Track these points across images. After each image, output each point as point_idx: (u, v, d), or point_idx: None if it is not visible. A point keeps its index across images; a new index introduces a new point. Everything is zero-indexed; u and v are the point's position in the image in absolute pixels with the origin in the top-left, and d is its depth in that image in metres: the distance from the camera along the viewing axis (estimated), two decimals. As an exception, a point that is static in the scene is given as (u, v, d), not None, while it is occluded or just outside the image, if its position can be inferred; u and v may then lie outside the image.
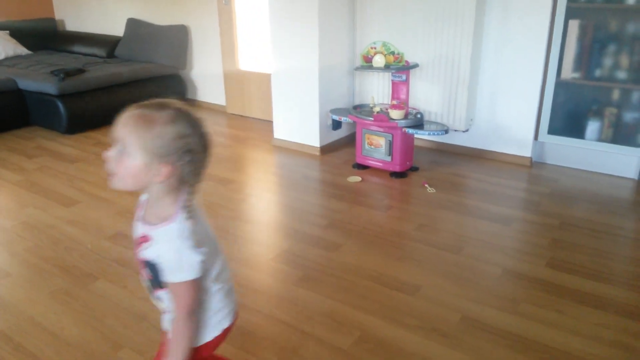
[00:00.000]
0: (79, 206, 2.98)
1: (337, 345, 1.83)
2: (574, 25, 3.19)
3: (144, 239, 1.12)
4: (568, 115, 3.38)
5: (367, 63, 3.35)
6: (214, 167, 3.56)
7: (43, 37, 5.85)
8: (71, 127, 4.30)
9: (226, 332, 1.27)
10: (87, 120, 4.42)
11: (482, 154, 3.67)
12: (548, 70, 3.32)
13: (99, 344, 1.84)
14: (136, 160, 1.03)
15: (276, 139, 4.01)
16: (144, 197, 1.18)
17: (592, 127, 3.29)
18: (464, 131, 3.52)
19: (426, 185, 3.16)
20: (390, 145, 3.27)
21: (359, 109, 3.52)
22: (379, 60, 3.26)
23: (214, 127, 4.60)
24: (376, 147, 3.35)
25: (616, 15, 3.10)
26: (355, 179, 3.32)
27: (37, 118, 4.51)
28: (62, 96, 4.22)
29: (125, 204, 2.98)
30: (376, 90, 3.77)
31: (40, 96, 4.33)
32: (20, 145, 4.08)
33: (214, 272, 1.19)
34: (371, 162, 3.43)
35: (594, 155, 3.36)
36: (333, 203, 2.99)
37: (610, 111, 3.24)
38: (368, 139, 3.37)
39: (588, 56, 3.22)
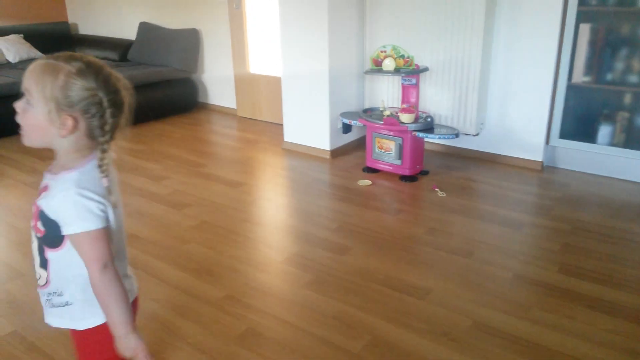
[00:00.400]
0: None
1: (347, 348, 1.83)
2: (585, 28, 3.17)
3: (44, 189, 1.07)
4: (579, 119, 3.36)
5: (377, 67, 3.36)
6: (223, 170, 3.59)
7: (56, 40, 5.91)
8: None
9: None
10: (100, 123, 4.46)
11: (493, 158, 3.66)
12: (559, 73, 3.30)
13: (111, 345, 1.86)
14: (39, 110, 0.99)
15: (286, 142, 4.03)
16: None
17: (604, 131, 3.27)
18: (474, 135, 3.51)
19: (436, 189, 3.16)
20: (401, 148, 3.27)
21: (369, 112, 3.53)
22: (388, 64, 3.26)
23: (224, 131, 4.63)
24: (386, 151, 3.35)
25: (628, 19, 3.08)
26: (365, 182, 3.32)
27: (51, 120, 4.56)
28: (75, 99, 4.27)
29: (137, 206, 3.01)
30: (386, 93, 3.78)
31: (54, 99, 4.38)
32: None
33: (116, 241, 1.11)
34: (381, 166, 3.43)
35: (605, 160, 3.34)
36: (343, 206, 3.00)
37: (622, 115, 3.22)
38: (378, 142, 3.38)
39: (599, 60, 3.21)
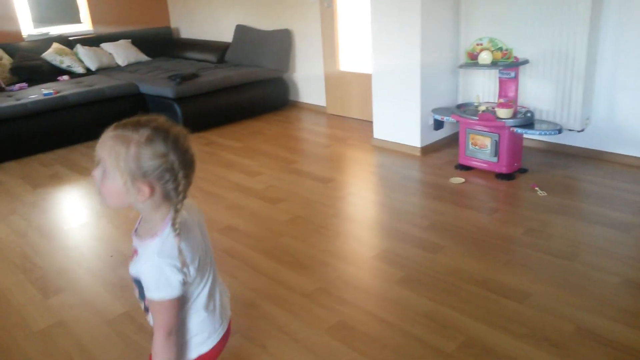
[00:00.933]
0: (193, 201, 3.18)
1: (440, 348, 1.80)
2: None
3: (134, 252, 1.13)
4: (703, 113, 3.04)
5: (472, 60, 3.26)
6: (314, 166, 3.66)
7: (160, 44, 6.33)
8: (186, 127, 4.54)
9: (219, 346, 1.24)
10: (201, 121, 4.72)
11: (600, 156, 3.41)
12: (679, 63, 3.01)
13: (212, 330, 1.97)
14: (115, 181, 1.01)
15: (376, 138, 4.02)
16: None
17: None
18: (579, 131, 3.29)
19: (536, 188, 3.00)
20: (497, 145, 3.15)
21: (463, 108, 3.43)
22: (485, 57, 3.15)
23: (314, 128, 4.71)
24: (481, 148, 3.24)
25: None
26: (458, 180, 3.23)
27: (156, 119, 4.89)
28: (178, 99, 4.56)
29: (234, 200, 3.15)
30: (481, 88, 3.65)
31: (159, 99, 4.70)
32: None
33: (197, 293, 1.15)
34: (475, 163, 3.32)
35: None
36: (434, 204, 2.94)
37: None
38: (472, 139, 3.27)
39: None
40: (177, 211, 1.07)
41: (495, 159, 3.19)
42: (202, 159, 3.96)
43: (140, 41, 6.14)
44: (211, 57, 5.78)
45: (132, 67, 5.67)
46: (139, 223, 1.15)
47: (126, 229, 2.87)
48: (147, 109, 4.92)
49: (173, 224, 1.07)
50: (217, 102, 4.81)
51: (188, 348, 1.18)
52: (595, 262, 2.25)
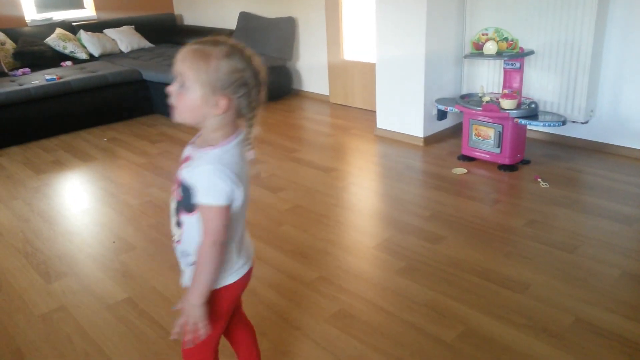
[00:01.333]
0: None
1: (439, 337, 1.81)
2: None
3: (187, 159, 1.17)
4: None
5: (478, 50, 3.23)
6: (316, 155, 3.65)
7: (164, 31, 6.30)
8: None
9: (239, 283, 1.25)
10: (202, 109, 4.71)
11: (604, 148, 3.39)
12: (686, 56, 2.99)
13: (212, 316, 1.98)
14: (195, 94, 1.07)
15: (379, 128, 4.01)
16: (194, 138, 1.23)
17: None
18: (583, 122, 3.28)
19: (539, 180, 2.99)
20: (500, 136, 3.14)
21: (467, 98, 3.41)
22: (490, 47, 3.12)
23: (317, 117, 4.70)
24: (484, 139, 3.23)
25: None
26: (460, 170, 3.23)
27: (160, 107, 4.89)
28: (180, 86, 4.53)
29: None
30: (486, 78, 3.63)
31: (162, 86, 4.69)
32: (144, 131, 4.46)
33: (235, 223, 1.18)
34: (478, 154, 3.31)
35: None
36: (436, 194, 2.94)
37: None
38: (475, 129, 3.26)
39: None
40: (250, 126, 1.14)
41: (498, 150, 3.18)
42: (204, 146, 3.95)
43: (144, 27, 6.11)
44: (214, 44, 5.74)
45: (135, 53, 5.65)
46: (197, 137, 1.19)
47: (128, 215, 2.88)
48: (149, 95, 4.91)
49: (247, 138, 1.14)
50: (220, 89, 4.80)
51: (224, 271, 1.20)
52: (596, 254, 2.25)
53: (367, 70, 4.54)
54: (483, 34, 3.20)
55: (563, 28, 3.15)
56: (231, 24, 5.79)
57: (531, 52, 3.23)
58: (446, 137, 3.83)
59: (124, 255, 2.45)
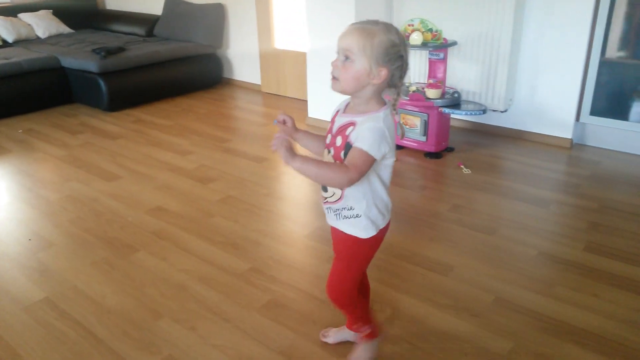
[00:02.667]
0: (120, 181, 3.07)
1: (368, 321, 1.85)
2: (622, 1, 3.05)
3: (350, 124, 1.31)
4: (612, 96, 3.26)
5: (404, 41, 3.30)
6: (247, 145, 3.61)
7: (84, 16, 5.98)
8: (112, 104, 4.41)
9: (383, 232, 1.45)
10: (128, 98, 4.53)
11: (521, 135, 3.59)
12: (592, 48, 3.20)
13: (139, 312, 1.92)
14: (361, 65, 1.24)
15: (310, 117, 4.02)
16: (337, 107, 1.42)
17: (637, 108, 3.17)
18: (502, 111, 3.45)
19: (462, 166, 3.12)
20: (426, 125, 3.24)
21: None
22: (416, 38, 3.20)
23: (248, 106, 4.64)
24: (411, 127, 3.32)
25: (668, -9, 2.95)
26: (389, 158, 3.30)
27: (80, 95, 4.65)
28: (103, 74, 4.33)
29: (164, 180, 3.06)
30: (412, 69, 3.72)
31: (83, 74, 4.45)
32: (64, 121, 4.22)
33: (384, 176, 1.36)
34: (406, 142, 3.40)
35: (637, 138, 3.24)
36: (366, 182, 2.99)
37: (658, 92, 3.11)
38: (403, 118, 3.34)
39: (635, 34, 3.09)
40: (399, 94, 1.32)
41: (424, 138, 3.28)
42: (130, 137, 3.80)
43: (63, 12, 5.77)
44: (139, 30, 5.53)
45: (54, 39, 5.32)
46: (345, 109, 1.37)
47: (46, 211, 2.72)
48: (68, 84, 4.65)
49: (394, 105, 1.33)
50: (146, 77, 4.62)
51: (372, 220, 1.39)
52: (514, 236, 2.39)
53: (299, 60, 4.53)
54: (409, 25, 3.27)
55: (484, 20, 3.28)
56: (157, 9, 5.58)
57: (454, 43, 3.35)
58: (376, 125, 3.89)
59: (42, 253, 2.32)
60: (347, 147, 1.28)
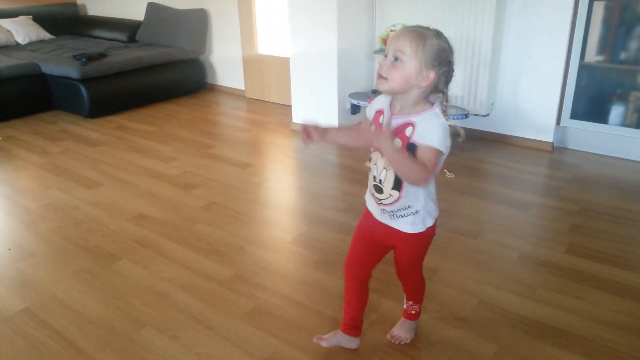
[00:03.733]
0: (101, 188, 3.03)
1: (353, 327, 1.84)
2: (599, 6, 3.11)
3: (407, 124, 1.32)
4: (591, 100, 3.31)
5: (386, 46, 3.32)
6: (232, 151, 3.60)
7: (65, 21, 5.92)
8: (93, 111, 4.36)
9: (436, 221, 1.52)
10: (109, 104, 4.48)
11: (503, 139, 3.62)
12: (571, 53, 3.25)
13: (121, 322, 1.89)
14: (411, 66, 1.27)
15: (294, 123, 4.02)
16: (376, 106, 1.43)
17: (616, 111, 3.23)
18: (484, 115, 3.48)
19: (445, 170, 3.14)
20: (409, 129, 3.25)
21: (378, 92, 3.49)
22: (398, 44, 3.22)
23: (232, 112, 4.63)
24: (395, 132, 3.33)
25: (644, -4, 3.01)
26: (373, 163, 3.31)
27: (60, 102, 4.59)
28: (84, 80, 4.28)
29: (147, 187, 3.03)
30: (395, 74, 3.74)
31: (63, 80, 4.40)
32: (44, 128, 4.16)
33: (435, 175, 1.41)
34: (389, 147, 3.40)
35: (617, 141, 3.29)
36: (351, 187, 2.99)
37: (636, 95, 3.17)
38: (387, 123, 3.35)
39: (613, 38, 3.14)
40: (447, 100, 1.35)
41: (408, 143, 3.29)
42: (111, 144, 3.76)
43: (43, 18, 5.71)
44: (121, 35, 5.48)
45: (34, 45, 5.26)
46: (392, 112, 1.37)
47: (26, 220, 2.67)
48: (49, 90, 4.59)
49: (445, 109, 1.34)
50: (128, 83, 4.58)
51: (431, 212, 1.49)
52: (497, 239, 2.40)
53: (282, 65, 4.53)
54: (392, 30, 3.30)
55: (465, 25, 3.32)
56: (139, 14, 5.55)
57: (436, 48, 3.37)
58: (360, 130, 3.91)
59: (22, 263, 2.28)
60: (410, 147, 1.31)
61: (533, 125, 3.48)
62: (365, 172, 3.17)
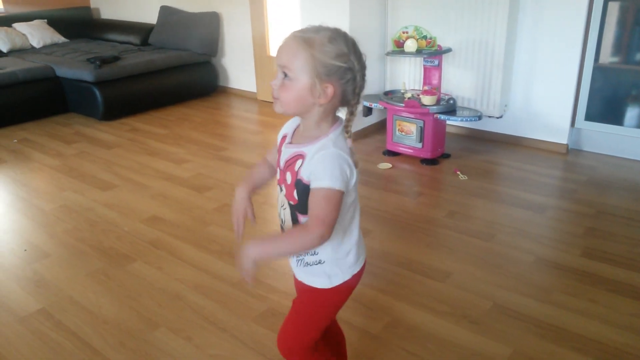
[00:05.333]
0: (116, 190, 3.06)
1: (366, 329, 1.84)
2: (614, 7, 3.08)
3: (298, 156, 1.10)
4: (606, 101, 3.28)
5: (399, 48, 3.32)
6: (244, 153, 3.61)
7: (79, 25, 5.98)
8: (107, 113, 4.40)
9: (357, 277, 1.23)
10: (123, 107, 4.52)
11: (517, 141, 3.60)
12: (586, 54, 3.22)
13: (135, 323, 1.90)
14: (301, 82, 1.03)
15: (306, 125, 4.02)
16: (284, 131, 1.20)
17: (632, 113, 3.19)
18: (497, 117, 3.46)
19: (458, 173, 3.13)
20: (422, 131, 3.24)
21: (390, 94, 3.49)
22: (410, 45, 3.22)
23: (244, 114, 4.64)
24: (407, 134, 3.32)
25: (660, -3, 2.98)
26: (385, 165, 3.30)
27: (75, 105, 4.64)
28: (98, 83, 4.32)
29: (160, 189, 3.05)
30: (407, 75, 3.73)
31: (77, 83, 4.44)
32: (59, 131, 4.21)
33: (352, 213, 1.16)
34: (402, 149, 3.40)
35: (632, 143, 3.25)
36: (363, 189, 2.99)
37: (652, 97, 3.13)
38: (399, 125, 3.35)
39: (628, 39, 3.11)
40: (352, 113, 1.11)
41: (420, 145, 3.28)
42: (125, 146, 3.79)
43: (57, 21, 5.77)
44: (134, 39, 5.53)
45: (48, 49, 5.32)
46: (293, 135, 1.16)
47: (41, 221, 2.70)
48: (63, 93, 4.64)
49: (347, 126, 1.11)
50: (141, 86, 4.62)
51: (345, 266, 1.19)
52: (511, 241, 2.38)
53: (293, 67, 4.53)
54: (403, 32, 3.29)
55: (478, 27, 3.30)
56: (151, 18, 5.59)
57: (449, 50, 3.36)
58: (372, 132, 3.91)
59: (37, 264, 2.30)
60: (299, 185, 1.08)
61: (547, 127, 3.45)
62: (378, 175, 3.18)
